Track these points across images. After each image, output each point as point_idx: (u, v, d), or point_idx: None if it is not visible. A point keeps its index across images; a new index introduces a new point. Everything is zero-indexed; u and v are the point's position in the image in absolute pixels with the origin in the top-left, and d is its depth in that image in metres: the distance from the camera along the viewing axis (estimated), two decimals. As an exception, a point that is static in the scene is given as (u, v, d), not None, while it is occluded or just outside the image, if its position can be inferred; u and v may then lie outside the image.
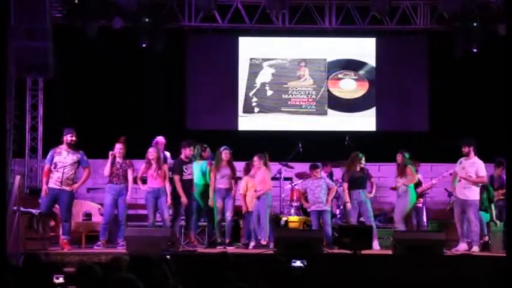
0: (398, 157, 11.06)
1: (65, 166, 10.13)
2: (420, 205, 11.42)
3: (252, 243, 10.70)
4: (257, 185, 10.71)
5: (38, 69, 10.88)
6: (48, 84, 13.15)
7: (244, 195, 10.88)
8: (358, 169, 10.84)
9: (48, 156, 10.30)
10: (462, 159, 10.54)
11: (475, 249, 10.28)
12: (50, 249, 9.96)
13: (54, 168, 10.12)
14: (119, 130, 11.18)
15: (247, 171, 11.01)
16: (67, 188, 10.14)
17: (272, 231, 10.54)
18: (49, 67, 10.89)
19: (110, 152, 10.40)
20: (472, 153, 10.44)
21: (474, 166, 10.39)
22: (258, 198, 10.64)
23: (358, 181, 10.80)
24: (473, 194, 10.42)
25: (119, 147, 10.38)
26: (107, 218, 10.38)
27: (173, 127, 12.90)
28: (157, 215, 10.59)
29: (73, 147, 10.19)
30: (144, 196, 10.69)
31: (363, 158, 10.92)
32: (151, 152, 10.53)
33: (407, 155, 11.02)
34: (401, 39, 14.05)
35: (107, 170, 10.38)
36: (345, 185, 10.88)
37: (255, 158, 10.77)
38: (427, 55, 14.04)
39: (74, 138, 10.16)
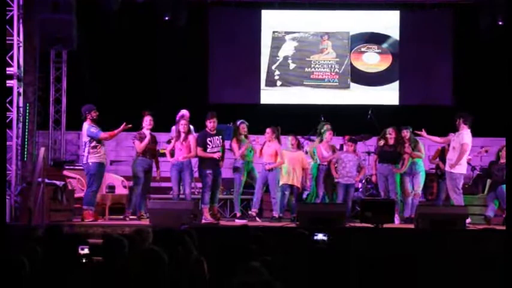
0: (406, 133, 10.86)
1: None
2: None
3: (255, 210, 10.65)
4: (267, 157, 10.65)
5: (62, 41, 10.92)
6: (72, 57, 13.20)
7: None
8: (385, 143, 10.74)
9: (95, 130, 10.03)
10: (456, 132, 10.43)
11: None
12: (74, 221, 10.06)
13: (99, 143, 10.13)
14: (141, 104, 11.19)
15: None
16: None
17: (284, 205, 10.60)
18: (72, 39, 10.92)
19: (147, 131, 10.40)
20: (463, 126, 10.29)
21: (460, 136, 10.28)
22: (270, 171, 10.63)
23: (385, 155, 10.73)
24: (455, 167, 10.25)
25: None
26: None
27: (195, 101, 12.85)
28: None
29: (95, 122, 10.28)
30: (168, 169, 10.69)
31: (387, 131, 10.77)
32: (183, 125, 10.43)
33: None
34: (425, 12, 13.87)
35: (141, 147, 10.39)
36: (374, 156, 11.03)
37: (268, 130, 10.64)
38: (451, 28, 13.88)
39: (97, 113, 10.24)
